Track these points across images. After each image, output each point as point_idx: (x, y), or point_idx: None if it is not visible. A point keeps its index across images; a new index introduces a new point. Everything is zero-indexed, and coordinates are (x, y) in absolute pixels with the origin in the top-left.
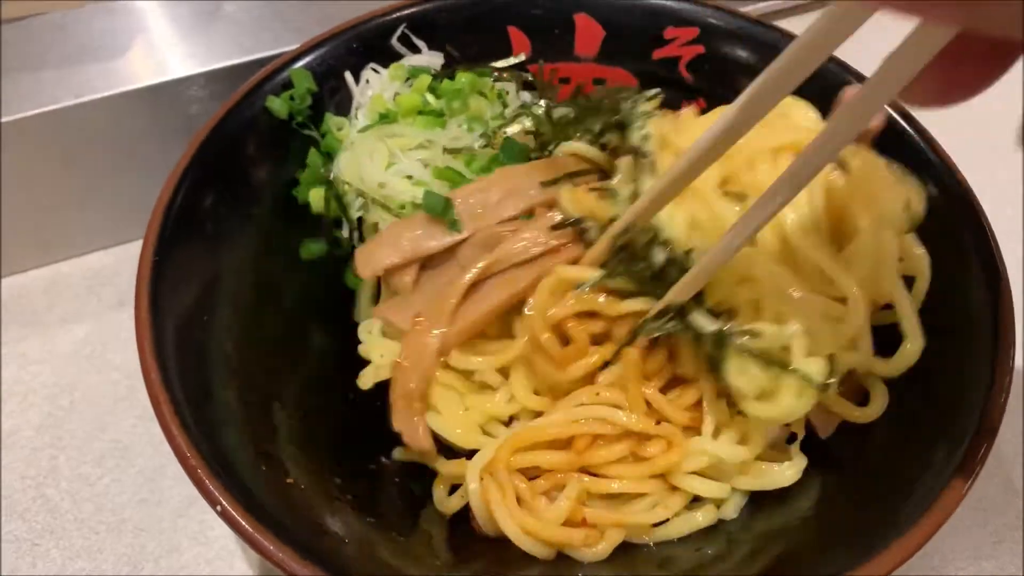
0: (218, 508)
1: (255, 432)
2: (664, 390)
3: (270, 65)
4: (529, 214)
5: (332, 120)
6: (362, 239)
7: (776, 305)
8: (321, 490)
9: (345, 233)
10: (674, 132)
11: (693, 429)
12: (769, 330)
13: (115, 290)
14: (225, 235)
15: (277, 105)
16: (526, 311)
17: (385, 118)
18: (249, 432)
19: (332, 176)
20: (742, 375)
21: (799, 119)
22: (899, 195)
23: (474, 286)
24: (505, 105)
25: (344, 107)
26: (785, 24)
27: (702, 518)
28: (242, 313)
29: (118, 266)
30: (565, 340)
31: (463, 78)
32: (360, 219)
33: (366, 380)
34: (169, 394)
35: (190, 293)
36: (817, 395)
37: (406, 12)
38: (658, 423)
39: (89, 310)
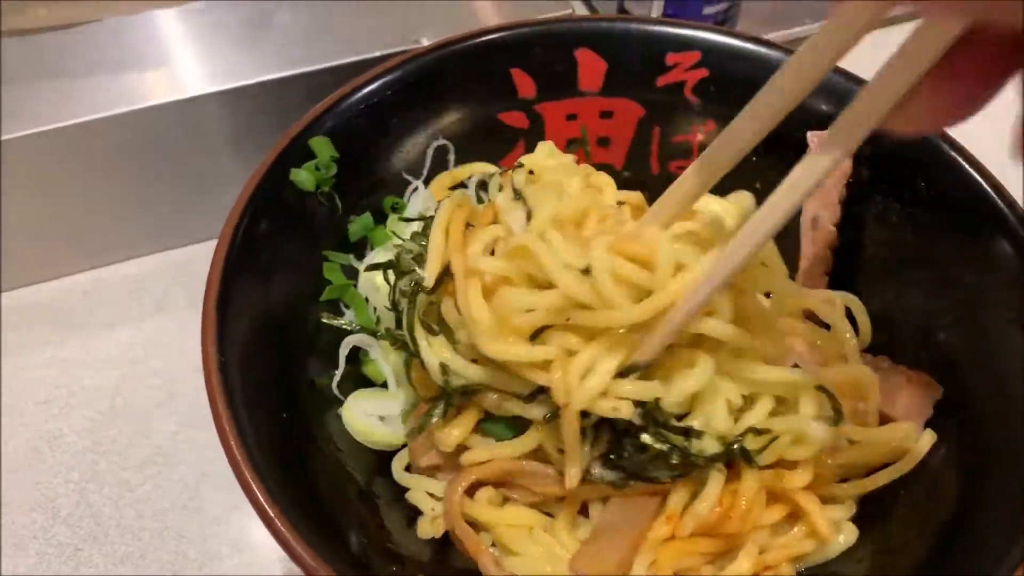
0: None
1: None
2: None
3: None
4: None
5: (393, 221)
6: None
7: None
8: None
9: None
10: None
11: None
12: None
13: (154, 297)
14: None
15: (303, 177)
16: None
17: None
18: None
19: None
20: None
21: None
22: None
23: None
24: None
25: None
26: None
27: (844, 539)
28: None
29: (157, 273)
30: None
31: None
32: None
33: (424, 531)
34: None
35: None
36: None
37: (410, 67)
38: None
39: (130, 316)
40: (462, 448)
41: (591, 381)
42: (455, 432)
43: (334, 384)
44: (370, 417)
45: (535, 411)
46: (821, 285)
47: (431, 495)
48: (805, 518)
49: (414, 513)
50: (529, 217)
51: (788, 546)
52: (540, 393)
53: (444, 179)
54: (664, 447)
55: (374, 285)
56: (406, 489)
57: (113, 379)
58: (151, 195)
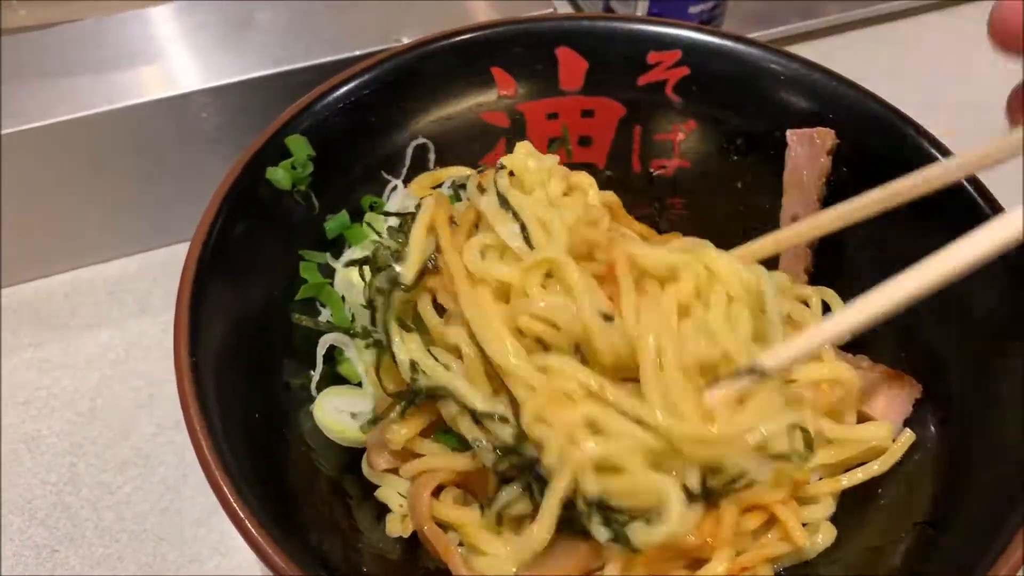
0: None
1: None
2: None
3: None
4: None
5: (371, 216)
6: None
7: None
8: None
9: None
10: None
11: None
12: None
13: (136, 297)
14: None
15: (279, 175)
16: None
17: None
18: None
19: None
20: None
21: None
22: None
23: None
24: None
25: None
26: (797, 49)
27: (822, 539)
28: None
29: (139, 274)
30: None
31: None
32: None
33: (393, 529)
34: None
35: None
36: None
37: (388, 66)
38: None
39: (111, 317)
40: (417, 456)
41: (591, 450)
42: (404, 431)
43: (312, 384)
44: (341, 413)
45: (478, 432)
46: (801, 283)
47: (400, 494)
48: (780, 524)
49: (384, 511)
50: (523, 229)
51: (765, 547)
52: (492, 419)
53: (425, 179)
54: (609, 533)
55: (350, 282)
56: (376, 487)
57: (94, 380)
58: (133, 194)
